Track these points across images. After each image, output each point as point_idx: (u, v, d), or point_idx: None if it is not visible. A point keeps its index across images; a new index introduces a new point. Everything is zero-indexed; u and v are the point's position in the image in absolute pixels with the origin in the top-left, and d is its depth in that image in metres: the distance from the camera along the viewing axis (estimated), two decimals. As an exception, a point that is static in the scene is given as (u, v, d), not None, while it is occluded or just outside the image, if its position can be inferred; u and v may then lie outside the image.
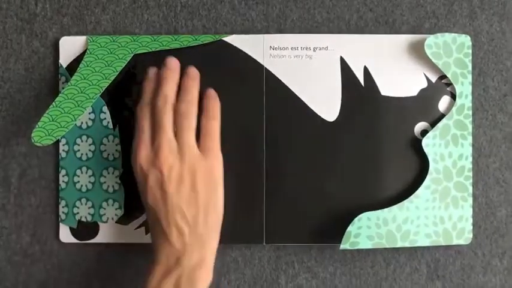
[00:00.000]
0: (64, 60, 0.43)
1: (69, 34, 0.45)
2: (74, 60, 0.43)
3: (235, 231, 0.43)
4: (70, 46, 0.44)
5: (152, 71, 0.42)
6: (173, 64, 0.41)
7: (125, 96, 0.43)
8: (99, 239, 0.44)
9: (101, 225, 0.43)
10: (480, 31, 0.45)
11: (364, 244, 0.41)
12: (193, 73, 0.41)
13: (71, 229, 0.43)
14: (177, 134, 0.39)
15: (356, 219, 0.41)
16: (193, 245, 0.37)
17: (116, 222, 0.43)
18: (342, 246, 0.41)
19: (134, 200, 0.43)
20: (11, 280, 0.44)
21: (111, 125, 0.43)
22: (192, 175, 0.38)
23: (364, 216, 0.41)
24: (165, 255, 0.37)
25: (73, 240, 0.44)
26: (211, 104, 0.41)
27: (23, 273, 0.44)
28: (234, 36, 0.44)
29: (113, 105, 0.44)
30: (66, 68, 0.43)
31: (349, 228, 0.41)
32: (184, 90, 0.40)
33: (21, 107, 0.43)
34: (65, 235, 0.44)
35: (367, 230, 0.41)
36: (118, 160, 0.43)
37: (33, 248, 0.44)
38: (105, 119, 0.43)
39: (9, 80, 0.44)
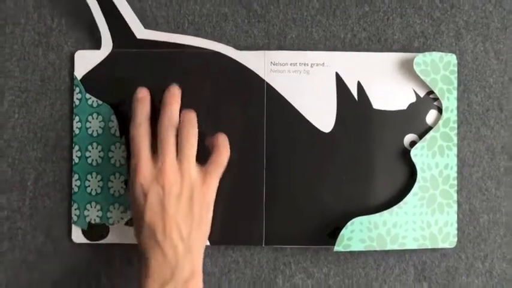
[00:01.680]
0: (78, 72, 0.45)
1: (83, 48, 0.46)
2: (88, 72, 0.45)
3: (237, 233, 0.45)
4: (84, 59, 0.45)
5: (143, 91, 0.42)
6: (174, 89, 0.42)
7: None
8: (109, 239, 0.45)
9: (111, 227, 0.44)
10: (465, 50, 0.46)
11: (357, 246, 0.43)
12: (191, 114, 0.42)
13: (83, 230, 0.44)
14: (178, 153, 0.40)
15: (349, 223, 0.43)
16: (185, 257, 0.39)
17: (124, 224, 0.44)
18: (336, 249, 0.43)
19: None
20: (26, 278, 0.45)
21: (118, 133, 0.44)
22: (190, 193, 0.39)
23: (356, 220, 0.43)
24: (159, 269, 0.38)
25: (84, 240, 0.45)
26: (221, 137, 0.42)
27: (37, 271, 0.45)
28: (237, 51, 0.45)
29: (120, 114, 0.45)
30: (80, 79, 0.45)
31: (343, 232, 0.43)
32: (185, 113, 0.41)
33: (37, 115, 0.45)
34: (77, 236, 0.45)
35: (359, 234, 0.43)
36: (124, 166, 0.44)
37: (47, 248, 0.45)
38: (113, 127, 0.44)
39: (27, 90, 0.45)
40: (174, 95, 0.42)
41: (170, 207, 0.38)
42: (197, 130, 0.41)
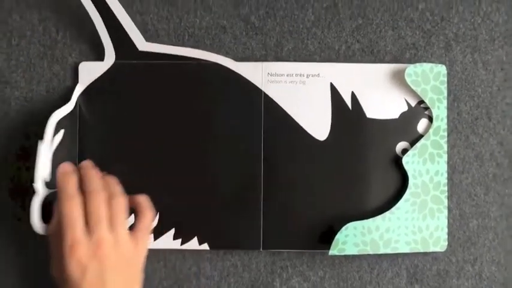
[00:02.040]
0: (82, 83, 0.46)
1: (87, 59, 0.46)
2: (92, 83, 0.46)
3: (235, 238, 0.46)
4: (88, 70, 0.46)
5: (67, 165, 0.41)
6: (89, 164, 0.43)
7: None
8: None
9: None
10: (455, 61, 0.47)
11: (351, 250, 0.44)
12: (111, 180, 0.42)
13: None
14: (110, 223, 0.39)
15: (343, 228, 0.44)
16: None
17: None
18: (331, 252, 0.44)
19: None
20: (37, 280, 0.46)
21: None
22: (127, 262, 0.39)
23: (350, 225, 0.44)
24: None
25: None
26: (143, 199, 0.42)
27: (45, 275, 0.44)
28: (236, 63, 0.46)
29: (121, 123, 0.46)
30: (84, 90, 0.45)
31: (337, 236, 0.44)
32: (111, 185, 0.41)
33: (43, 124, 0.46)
34: None
35: (353, 238, 0.44)
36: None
37: None
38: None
39: (32, 100, 0.46)
40: (89, 167, 0.42)
41: (109, 280, 0.38)
42: (123, 195, 0.41)
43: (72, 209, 0.39)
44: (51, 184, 0.43)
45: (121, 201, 0.40)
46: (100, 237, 0.38)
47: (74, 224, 0.38)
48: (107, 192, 0.40)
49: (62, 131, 0.45)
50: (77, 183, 0.41)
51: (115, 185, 0.41)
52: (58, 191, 0.40)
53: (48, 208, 0.42)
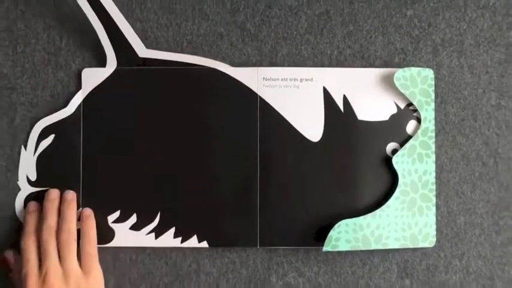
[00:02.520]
0: (85, 88, 0.46)
1: (90, 66, 0.47)
2: (94, 88, 0.46)
3: (233, 236, 0.46)
4: (91, 76, 0.47)
5: (32, 205, 0.44)
6: (52, 195, 0.44)
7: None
8: (115, 243, 0.46)
9: (116, 231, 0.46)
10: (442, 65, 0.48)
11: (343, 247, 0.45)
12: (69, 197, 0.44)
13: None
14: (60, 259, 0.42)
15: (336, 225, 0.45)
16: None
17: (129, 228, 0.46)
18: (325, 249, 0.45)
19: (146, 210, 0.46)
20: None
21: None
22: None
23: (343, 223, 0.45)
24: None
25: None
26: (87, 226, 0.44)
27: None
28: (232, 68, 0.47)
29: (123, 126, 0.47)
30: (87, 95, 0.46)
31: (331, 233, 0.45)
32: (63, 219, 0.43)
33: (47, 128, 0.47)
34: None
35: (346, 235, 0.45)
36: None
37: None
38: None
39: (37, 105, 0.47)
40: (51, 201, 0.44)
41: None
42: (75, 233, 0.43)
43: (28, 244, 0.42)
44: (37, 183, 0.45)
45: (67, 237, 0.42)
46: (47, 268, 0.41)
47: (28, 258, 0.42)
48: (58, 225, 0.43)
49: (51, 136, 0.46)
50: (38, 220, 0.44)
51: (67, 218, 0.43)
52: (23, 228, 0.43)
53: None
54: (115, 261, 0.47)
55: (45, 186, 0.45)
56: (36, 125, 0.45)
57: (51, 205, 0.44)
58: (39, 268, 0.42)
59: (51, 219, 0.43)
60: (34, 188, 0.45)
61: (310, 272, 0.47)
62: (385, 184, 0.47)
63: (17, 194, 0.45)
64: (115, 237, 0.46)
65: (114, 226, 0.46)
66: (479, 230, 0.48)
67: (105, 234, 0.46)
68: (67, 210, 0.44)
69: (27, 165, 0.45)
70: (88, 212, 0.45)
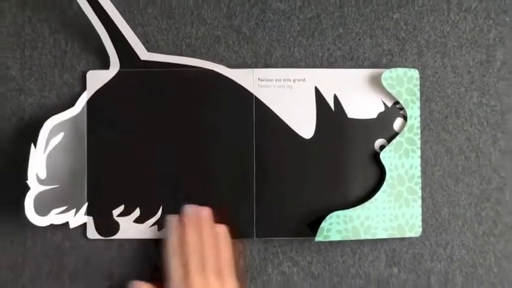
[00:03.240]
0: (90, 89, 0.47)
1: (94, 68, 0.48)
2: (98, 89, 0.47)
3: (231, 228, 0.47)
4: (95, 78, 0.47)
5: (173, 219, 0.45)
6: (190, 211, 0.45)
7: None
8: (120, 235, 0.47)
9: (121, 225, 0.47)
10: (426, 66, 0.49)
11: (335, 237, 0.46)
12: (206, 213, 0.45)
13: (96, 227, 0.47)
14: (202, 274, 0.42)
15: (328, 217, 0.46)
16: None
17: (133, 221, 0.47)
18: (317, 239, 0.46)
19: (149, 204, 0.47)
20: (46, 270, 0.48)
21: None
22: None
23: (334, 214, 0.46)
24: None
25: (98, 237, 0.47)
26: (222, 243, 0.45)
27: (56, 265, 0.48)
28: (229, 69, 0.48)
29: (126, 126, 0.48)
30: (91, 96, 0.47)
31: (322, 224, 0.46)
32: (205, 234, 0.44)
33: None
34: (91, 232, 0.47)
35: (337, 226, 0.46)
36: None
37: (64, 244, 0.48)
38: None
39: (45, 106, 0.48)
40: (190, 216, 0.45)
41: None
42: (214, 249, 0.44)
43: (174, 261, 0.43)
44: (47, 181, 0.45)
45: (209, 252, 0.43)
46: (191, 283, 0.42)
47: (174, 276, 0.43)
48: (202, 242, 0.44)
49: (61, 134, 0.46)
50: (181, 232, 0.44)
51: (207, 233, 0.44)
52: (165, 244, 0.44)
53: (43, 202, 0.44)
54: (120, 252, 0.48)
55: (54, 184, 0.46)
56: (45, 124, 0.45)
57: (190, 220, 0.45)
58: (183, 283, 0.42)
59: (194, 235, 0.44)
60: (44, 187, 0.45)
61: (304, 262, 0.48)
62: (373, 178, 0.48)
63: (26, 193, 0.44)
64: (120, 230, 0.47)
65: (118, 219, 0.48)
66: (462, 221, 0.49)
67: (110, 227, 0.47)
68: (205, 227, 0.45)
69: (37, 164, 0.45)
70: (222, 229, 0.46)
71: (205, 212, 0.46)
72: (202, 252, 0.43)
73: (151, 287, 0.44)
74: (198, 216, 0.45)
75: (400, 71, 0.48)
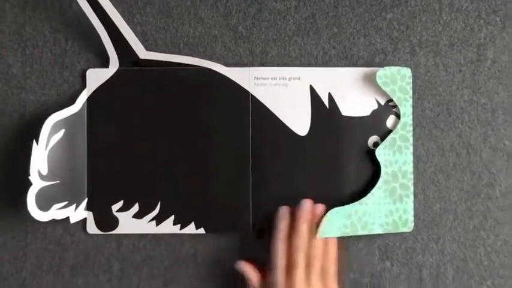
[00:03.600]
0: (90, 87, 0.48)
1: (94, 66, 0.48)
2: (98, 87, 0.48)
3: (228, 222, 0.48)
4: (95, 76, 0.48)
5: (285, 210, 0.46)
6: (307, 205, 0.46)
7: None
8: (118, 230, 0.48)
9: (120, 220, 0.48)
10: (419, 64, 0.50)
11: (335, 233, 0.46)
12: (321, 210, 0.46)
13: (96, 222, 0.48)
14: (306, 272, 0.43)
15: (328, 213, 0.46)
16: None
17: (132, 217, 0.48)
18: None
19: (147, 199, 0.48)
20: (47, 264, 0.49)
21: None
22: None
23: (333, 210, 0.46)
24: None
25: (98, 231, 0.48)
26: (330, 245, 0.45)
27: (57, 259, 0.49)
28: (226, 68, 0.49)
29: (125, 123, 0.48)
30: (91, 94, 0.48)
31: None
32: (313, 234, 0.45)
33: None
34: (91, 227, 0.48)
35: (337, 221, 0.46)
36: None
37: (64, 239, 0.49)
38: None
39: (45, 103, 0.49)
40: (307, 211, 0.45)
41: None
42: (322, 245, 0.45)
43: (281, 251, 0.44)
44: (48, 177, 0.46)
45: (318, 249, 0.44)
46: (294, 278, 0.43)
47: (277, 265, 0.44)
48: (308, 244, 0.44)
49: (62, 131, 0.47)
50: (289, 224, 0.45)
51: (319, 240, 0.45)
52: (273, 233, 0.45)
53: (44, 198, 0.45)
54: (119, 247, 0.49)
55: (55, 180, 0.46)
56: (47, 121, 0.46)
57: (304, 215, 0.45)
58: (286, 275, 0.43)
59: (304, 229, 0.45)
60: (45, 182, 0.46)
61: None
62: (368, 175, 0.48)
63: (27, 188, 0.45)
64: (119, 225, 0.48)
65: (118, 215, 0.48)
66: (453, 216, 0.49)
67: (109, 222, 0.48)
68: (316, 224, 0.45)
69: (39, 160, 0.45)
70: (320, 208, 0.46)
71: (320, 209, 0.46)
72: (309, 250, 0.44)
73: (255, 270, 0.45)
74: (313, 213, 0.46)
75: (393, 69, 0.48)
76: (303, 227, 0.45)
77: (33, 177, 0.45)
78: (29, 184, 0.44)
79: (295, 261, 0.43)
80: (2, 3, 0.50)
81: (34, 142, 0.45)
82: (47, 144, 0.46)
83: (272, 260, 0.44)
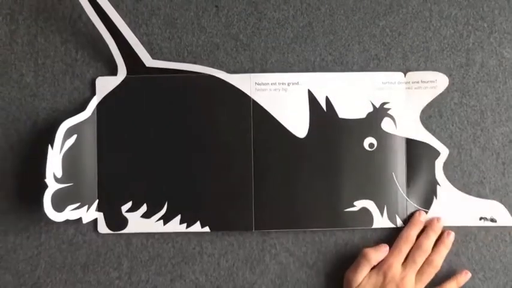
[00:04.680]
0: (99, 94, 0.50)
1: (102, 75, 0.50)
2: (107, 94, 0.50)
3: (232, 221, 0.50)
4: (103, 84, 0.50)
5: (420, 215, 0.50)
6: (436, 220, 0.50)
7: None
8: (128, 229, 0.50)
9: (129, 220, 0.50)
10: (410, 69, 0.51)
11: None
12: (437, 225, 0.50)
13: (106, 222, 0.50)
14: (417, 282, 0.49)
15: None
16: None
17: (140, 216, 0.50)
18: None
19: (154, 200, 0.50)
20: (60, 262, 0.51)
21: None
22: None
23: None
24: None
25: (108, 231, 0.50)
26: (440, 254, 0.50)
27: (69, 257, 0.51)
28: (228, 74, 0.50)
29: (132, 126, 0.50)
30: (100, 100, 0.50)
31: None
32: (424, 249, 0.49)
33: (66, 130, 0.49)
34: (102, 227, 0.50)
35: None
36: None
37: (76, 238, 0.51)
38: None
39: (57, 110, 0.51)
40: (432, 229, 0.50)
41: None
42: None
43: (399, 252, 0.49)
44: (62, 179, 0.48)
45: (430, 265, 0.49)
46: (405, 284, 0.48)
47: (396, 263, 0.49)
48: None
49: (74, 136, 0.49)
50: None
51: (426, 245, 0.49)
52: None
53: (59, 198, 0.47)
54: (128, 245, 0.51)
55: (68, 182, 0.49)
56: (61, 126, 0.47)
57: (434, 227, 0.50)
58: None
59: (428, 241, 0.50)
60: (60, 185, 0.47)
61: (299, 252, 0.51)
62: (362, 172, 0.50)
63: (41, 191, 0.46)
64: (128, 224, 0.50)
65: (127, 215, 0.50)
66: None
67: (119, 222, 0.50)
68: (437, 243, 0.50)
69: (54, 163, 0.47)
70: (452, 237, 0.50)
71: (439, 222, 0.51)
72: (422, 259, 0.49)
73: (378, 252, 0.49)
74: (437, 226, 0.50)
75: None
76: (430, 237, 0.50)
77: (49, 179, 0.47)
78: (45, 186, 0.46)
79: (408, 269, 0.49)
80: (15, 15, 0.52)
81: (49, 146, 0.47)
82: (61, 149, 0.48)
83: (391, 255, 0.49)
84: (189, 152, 0.51)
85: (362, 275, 0.48)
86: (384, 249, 0.49)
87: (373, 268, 0.49)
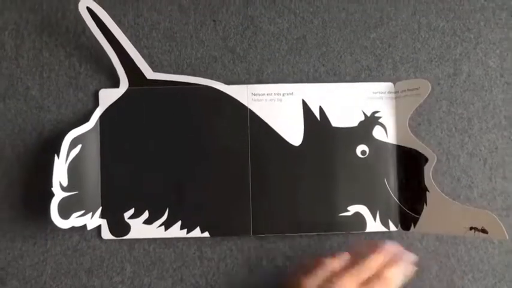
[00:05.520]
0: (102, 106, 0.51)
1: (105, 87, 0.51)
2: (109, 106, 0.51)
3: (230, 227, 0.50)
4: (106, 96, 0.51)
5: (373, 244, 0.46)
6: (393, 248, 0.46)
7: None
8: (130, 235, 0.50)
9: (132, 226, 0.51)
10: (400, 79, 0.52)
11: None
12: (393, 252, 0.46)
13: (110, 228, 0.51)
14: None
15: None
16: None
17: (142, 223, 0.50)
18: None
19: (156, 207, 0.50)
20: (65, 268, 0.51)
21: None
22: None
23: None
24: None
25: (111, 237, 0.51)
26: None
27: (74, 263, 0.51)
28: (225, 86, 0.51)
29: (134, 137, 0.51)
30: (103, 112, 0.51)
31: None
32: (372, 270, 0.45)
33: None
34: (106, 233, 0.51)
35: None
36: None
37: (81, 244, 0.51)
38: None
39: (62, 121, 0.51)
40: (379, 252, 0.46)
41: None
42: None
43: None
44: (68, 188, 0.49)
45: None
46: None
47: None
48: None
49: (79, 146, 0.50)
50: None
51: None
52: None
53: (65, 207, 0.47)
54: (131, 250, 0.52)
55: (74, 190, 0.50)
56: (66, 137, 0.48)
57: (386, 254, 0.46)
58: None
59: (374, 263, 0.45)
60: (66, 193, 0.49)
61: (296, 255, 0.51)
62: (355, 179, 0.51)
63: (48, 199, 0.47)
64: (130, 230, 0.51)
65: (129, 221, 0.51)
66: None
67: (122, 228, 0.51)
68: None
69: (60, 172, 0.48)
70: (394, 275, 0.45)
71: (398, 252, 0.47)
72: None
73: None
74: (394, 254, 0.46)
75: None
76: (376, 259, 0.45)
77: (56, 188, 0.48)
78: (51, 195, 0.47)
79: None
80: (21, 30, 0.53)
81: (55, 156, 0.48)
82: (67, 158, 0.50)
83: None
84: (189, 160, 0.51)
85: (315, 282, 0.44)
86: (344, 257, 0.46)
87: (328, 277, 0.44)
